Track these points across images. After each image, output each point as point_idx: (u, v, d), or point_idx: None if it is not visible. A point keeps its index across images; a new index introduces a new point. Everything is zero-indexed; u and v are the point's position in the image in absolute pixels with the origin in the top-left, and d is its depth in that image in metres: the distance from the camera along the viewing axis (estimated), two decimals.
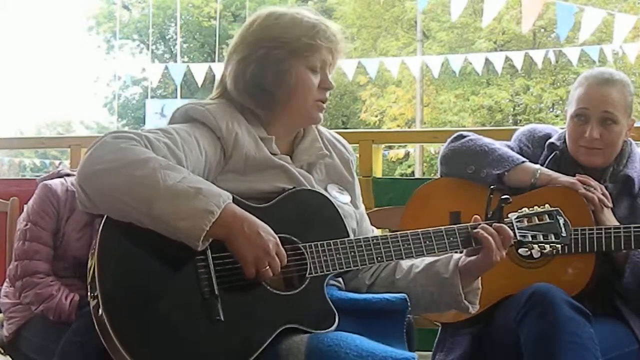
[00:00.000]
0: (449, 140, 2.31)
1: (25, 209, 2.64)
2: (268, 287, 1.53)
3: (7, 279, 2.68)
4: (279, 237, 1.53)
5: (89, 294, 1.49)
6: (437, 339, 2.26)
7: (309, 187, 1.71)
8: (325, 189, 1.78)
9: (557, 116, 18.63)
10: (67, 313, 2.48)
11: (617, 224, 2.12)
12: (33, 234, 2.54)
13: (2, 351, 2.64)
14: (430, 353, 2.25)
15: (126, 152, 1.47)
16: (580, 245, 2.09)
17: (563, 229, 1.80)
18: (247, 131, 1.69)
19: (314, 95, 1.74)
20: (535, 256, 1.82)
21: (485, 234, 1.68)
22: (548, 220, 1.80)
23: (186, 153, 1.57)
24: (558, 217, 1.81)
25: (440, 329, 2.27)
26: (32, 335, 2.57)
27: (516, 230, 1.75)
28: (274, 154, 1.72)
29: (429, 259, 1.74)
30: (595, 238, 2.09)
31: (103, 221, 1.49)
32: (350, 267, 1.63)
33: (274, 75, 1.70)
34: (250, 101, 1.72)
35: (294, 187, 1.67)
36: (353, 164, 1.89)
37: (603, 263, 2.12)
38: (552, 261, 2.12)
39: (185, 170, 1.51)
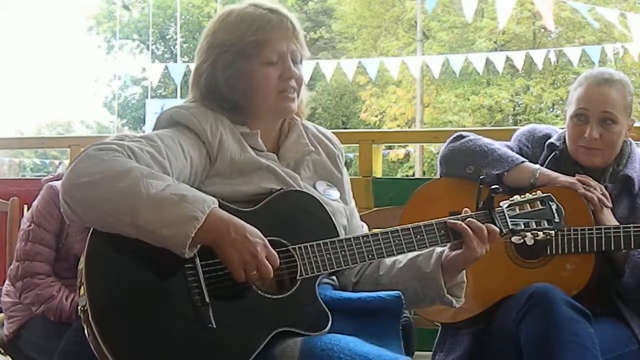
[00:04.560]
0: (448, 140, 2.31)
1: (29, 210, 2.64)
2: (259, 291, 1.52)
3: (7, 279, 2.68)
4: (267, 240, 1.51)
5: (78, 300, 1.49)
6: (437, 339, 2.26)
7: (296, 188, 1.69)
8: (314, 186, 1.76)
9: (557, 116, 18.64)
10: (68, 313, 2.49)
11: (617, 223, 2.12)
12: (36, 235, 2.55)
13: (2, 351, 2.64)
14: (430, 353, 2.25)
15: (109, 164, 1.46)
16: (580, 245, 2.09)
17: (556, 215, 1.78)
18: (231, 133, 1.68)
19: (275, 88, 1.70)
20: (528, 244, 1.81)
21: (464, 225, 1.67)
22: (540, 207, 1.78)
23: (171, 161, 1.56)
24: (550, 203, 1.79)
25: (440, 329, 2.27)
26: (33, 335, 2.57)
27: (508, 219, 1.74)
28: (260, 151, 1.71)
29: (411, 254, 1.73)
30: (595, 238, 2.09)
31: (92, 229, 1.48)
32: (342, 266, 1.61)
33: (225, 81, 1.69)
34: (215, 106, 1.70)
35: (281, 189, 1.65)
36: (341, 159, 1.87)
37: (603, 263, 2.12)
38: (551, 261, 2.13)
39: (169, 178, 1.50)
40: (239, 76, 1.69)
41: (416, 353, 1.70)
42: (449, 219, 1.70)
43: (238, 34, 1.69)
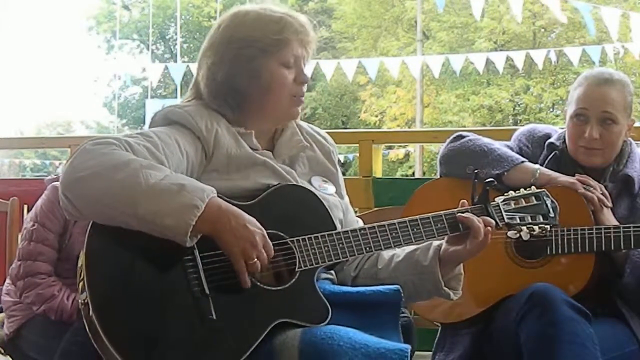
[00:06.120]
0: (448, 140, 2.31)
1: (33, 209, 2.65)
2: (258, 283, 1.53)
3: (8, 277, 2.68)
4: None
5: (79, 294, 1.49)
6: (437, 339, 2.25)
7: (293, 182, 1.71)
8: (310, 182, 1.78)
9: (557, 116, 18.63)
10: (69, 313, 2.49)
11: (617, 223, 2.12)
12: (39, 235, 2.55)
13: (2, 351, 2.64)
14: (430, 353, 2.25)
15: (107, 157, 1.47)
16: (580, 245, 2.09)
17: (551, 210, 1.79)
18: (226, 129, 1.69)
19: (290, 91, 1.73)
20: (524, 238, 1.82)
21: (474, 218, 1.68)
22: (535, 202, 1.79)
23: (167, 155, 1.57)
24: (545, 198, 1.80)
25: (440, 329, 2.27)
26: (33, 335, 2.57)
27: (503, 213, 1.75)
28: (255, 149, 1.72)
29: (409, 248, 1.74)
30: (595, 238, 2.09)
31: (91, 222, 1.50)
32: (340, 258, 1.62)
33: (246, 75, 1.70)
34: (224, 104, 1.72)
35: (278, 183, 1.67)
36: (335, 155, 1.89)
37: (603, 263, 2.12)
38: (551, 261, 2.13)
39: (167, 169, 1.51)
40: (260, 72, 1.70)
41: (416, 353, 1.71)
42: (458, 210, 1.71)
43: (263, 30, 1.70)
